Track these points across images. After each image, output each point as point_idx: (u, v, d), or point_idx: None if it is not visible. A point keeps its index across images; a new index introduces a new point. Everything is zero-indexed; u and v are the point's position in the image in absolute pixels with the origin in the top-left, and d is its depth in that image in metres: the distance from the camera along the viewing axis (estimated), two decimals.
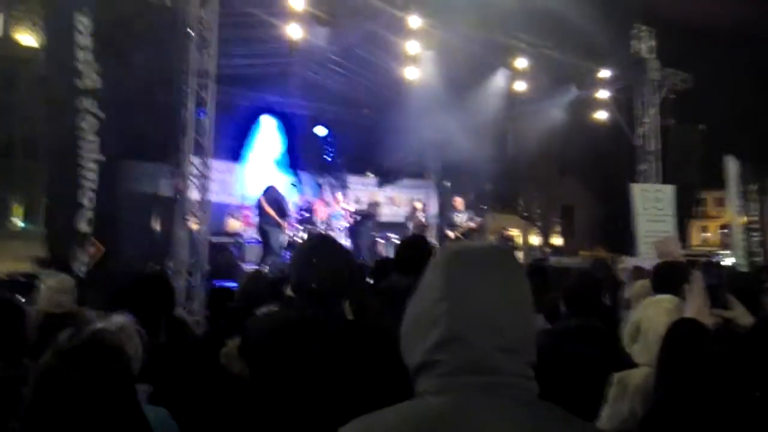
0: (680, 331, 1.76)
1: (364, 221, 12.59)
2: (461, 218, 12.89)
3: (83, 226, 6.50)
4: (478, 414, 0.95)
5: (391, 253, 10.85)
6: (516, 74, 12.28)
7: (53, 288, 3.56)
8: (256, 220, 11.21)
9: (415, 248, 3.18)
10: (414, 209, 13.54)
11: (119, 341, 1.77)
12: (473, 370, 0.98)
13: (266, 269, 9.14)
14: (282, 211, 10.68)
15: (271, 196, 10.83)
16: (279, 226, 10.56)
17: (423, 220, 13.43)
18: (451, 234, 12.75)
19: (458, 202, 13.14)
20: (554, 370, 2.57)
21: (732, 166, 14.10)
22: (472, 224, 13.00)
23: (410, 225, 13.32)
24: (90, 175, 6.62)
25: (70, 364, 1.54)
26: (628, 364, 2.24)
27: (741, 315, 2.06)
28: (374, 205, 13.00)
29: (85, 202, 6.54)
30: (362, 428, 1.01)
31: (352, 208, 13.31)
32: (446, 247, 1.16)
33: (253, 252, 11.51)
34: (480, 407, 0.96)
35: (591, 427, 1.05)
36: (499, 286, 1.05)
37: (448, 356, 0.99)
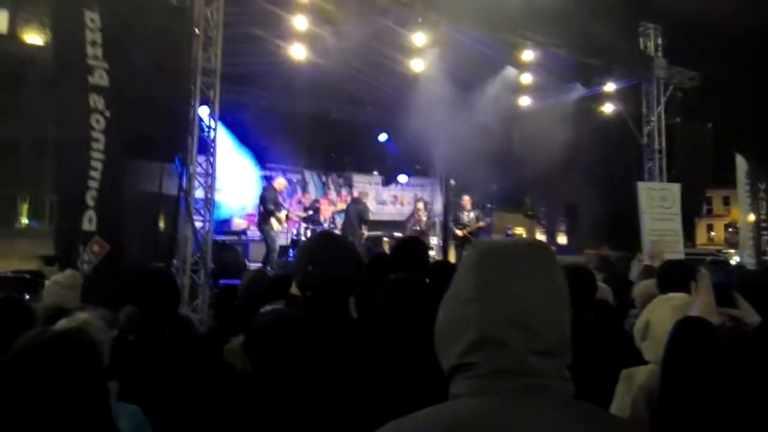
0: (686, 329, 1.75)
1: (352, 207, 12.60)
2: (469, 217, 12.86)
3: (87, 225, 6.51)
4: (515, 416, 0.93)
5: None
6: (522, 72, 12.25)
7: (60, 283, 3.56)
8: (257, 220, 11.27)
9: (409, 249, 3.19)
10: (416, 209, 13.54)
11: (84, 339, 1.73)
12: (509, 372, 0.96)
13: (268, 269, 9.16)
14: (277, 206, 10.62)
15: (264, 195, 10.89)
16: (273, 222, 10.53)
17: (424, 219, 13.37)
18: (459, 233, 12.73)
19: (466, 200, 13.11)
20: None
21: (742, 165, 14.05)
22: (481, 223, 12.98)
23: (409, 225, 13.31)
24: (95, 174, 6.63)
25: (28, 364, 1.53)
26: (617, 358, 2.24)
27: (748, 313, 2.04)
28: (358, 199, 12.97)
29: (89, 201, 6.54)
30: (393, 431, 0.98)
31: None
32: (478, 245, 1.13)
33: (258, 250, 11.54)
34: (517, 409, 0.94)
35: (627, 425, 1.03)
36: (534, 285, 1.02)
37: (483, 359, 0.97)
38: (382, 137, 15.36)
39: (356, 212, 12.50)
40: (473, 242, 1.10)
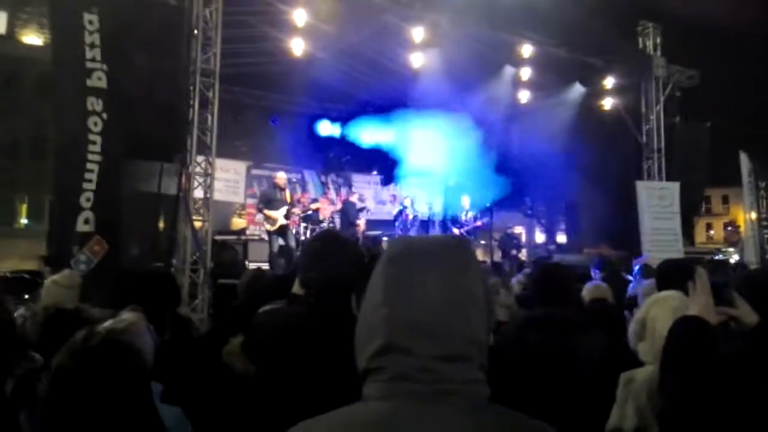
0: (684, 329, 1.75)
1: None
2: (467, 216, 12.88)
3: (82, 226, 6.52)
4: (417, 421, 0.92)
5: None
6: (521, 71, 12.25)
7: (58, 283, 3.56)
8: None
9: None
10: (402, 207, 13.32)
11: (132, 341, 1.76)
12: (414, 378, 0.94)
13: (269, 270, 9.14)
14: (270, 204, 10.49)
15: (262, 197, 10.88)
16: (267, 220, 10.46)
17: (411, 217, 13.22)
18: (456, 232, 12.74)
19: (465, 200, 13.11)
20: (516, 358, 2.58)
21: (745, 163, 14.06)
22: (477, 222, 12.99)
23: (398, 223, 13.13)
24: (91, 176, 6.64)
25: (85, 366, 1.54)
26: (590, 356, 2.23)
27: (746, 313, 2.04)
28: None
29: (84, 202, 6.55)
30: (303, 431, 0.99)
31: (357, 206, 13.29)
32: (390, 245, 1.08)
33: (257, 250, 11.52)
34: (420, 414, 0.92)
35: (541, 428, 1.01)
36: (442, 288, 0.99)
37: (389, 363, 0.96)
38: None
39: (345, 214, 12.61)
40: (389, 241, 1.07)
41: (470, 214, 12.88)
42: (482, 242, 15.86)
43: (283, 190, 10.67)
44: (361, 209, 13.02)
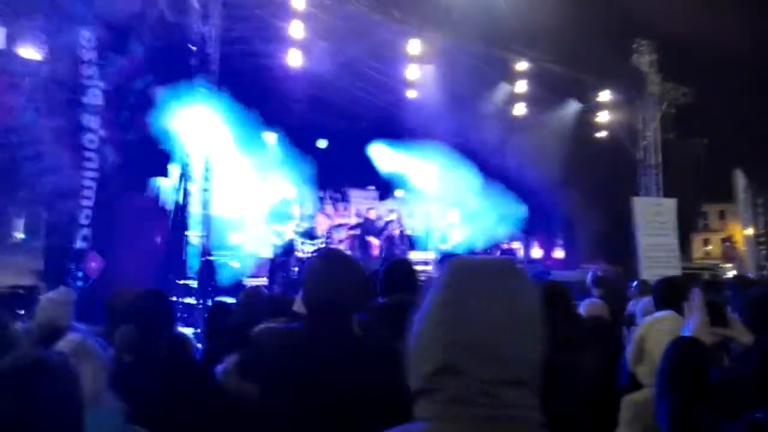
0: (679, 350, 1.75)
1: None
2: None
3: (81, 243, 6.51)
4: None
5: None
6: (517, 88, 12.32)
7: (53, 300, 3.55)
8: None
9: (397, 272, 3.18)
10: (388, 221, 12.57)
11: (68, 364, 1.69)
12: (473, 401, 0.93)
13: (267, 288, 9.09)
14: (283, 218, 10.46)
15: (273, 212, 10.84)
16: (280, 234, 10.42)
17: (396, 232, 12.52)
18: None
19: (453, 214, 13.00)
20: None
21: (740, 180, 14.14)
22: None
23: (382, 239, 12.42)
24: (89, 193, 6.65)
25: (7, 388, 1.50)
26: (590, 371, 2.22)
27: (741, 333, 2.05)
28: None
29: (83, 219, 6.55)
30: None
31: (353, 221, 13.23)
32: (451, 264, 1.08)
33: (255, 266, 11.47)
34: None
35: None
36: (506, 310, 0.98)
37: (446, 385, 0.95)
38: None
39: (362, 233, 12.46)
40: (448, 261, 1.05)
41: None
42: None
43: (291, 204, 10.71)
44: (387, 224, 12.40)
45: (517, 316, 0.99)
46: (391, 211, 13.02)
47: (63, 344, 1.89)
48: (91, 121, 6.76)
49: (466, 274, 1.04)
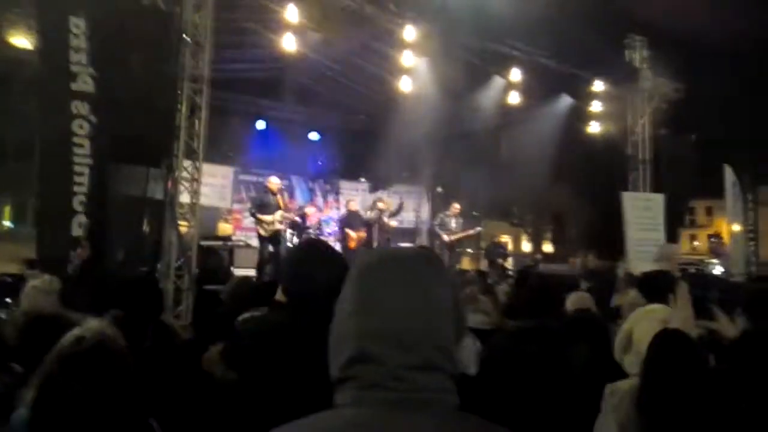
0: (665, 342, 1.77)
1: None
2: (457, 223, 12.80)
3: (77, 230, 6.47)
4: (389, 427, 0.94)
5: None
6: (510, 83, 12.33)
7: (38, 288, 3.53)
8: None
9: None
10: (379, 210, 12.20)
11: (122, 346, 1.73)
12: (385, 386, 0.96)
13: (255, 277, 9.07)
14: (263, 208, 10.40)
15: (255, 200, 10.79)
16: (267, 224, 10.35)
17: (387, 221, 12.26)
18: (445, 237, 12.61)
19: (456, 208, 12.98)
20: (509, 369, 2.60)
21: (729, 176, 14.25)
22: (471, 231, 12.94)
23: (375, 228, 12.11)
24: (82, 179, 6.59)
25: (74, 372, 1.51)
26: (576, 367, 2.24)
27: (726, 326, 2.07)
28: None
29: (77, 206, 6.51)
30: None
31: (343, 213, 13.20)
32: (362, 256, 1.12)
33: (243, 256, 11.46)
34: (392, 421, 0.94)
35: None
36: (413, 298, 1.01)
37: (360, 372, 0.98)
38: (372, 144, 15.20)
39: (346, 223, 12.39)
40: (360, 252, 1.06)
41: (454, 223, 12.78)
42: (469, 251, 15.91)
43: (275, 194, 10.59)
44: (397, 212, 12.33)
45: (427, 304, 1.02)
46: (380, 200, 12.80)
47: (83, 330, 1.88)
48: (81, 107, 6.69)
49: (376, 265, 1.08)
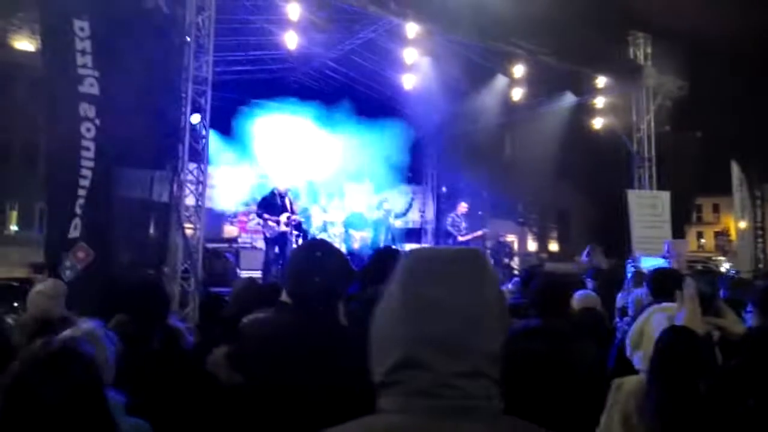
0: (672, 339, 1.76)
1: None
2: (465, 223, 12.73)
3: (73, 232, 6.48)
4: None
5: None
6: (513, 80, 12.31)
7: (43, 293, 3.54)
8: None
9: (381, 259, 3.18)
10: (385, 210, 12.36)
11: (88, 350, 1.74)
12: (433, 393, 0.94)
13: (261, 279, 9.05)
14: (271, 209, 10.39)
15: (262, 202, 10.79)
16: (273, 226, 10.34)
17: (393, 222, 12.39)
18: (460, 238, 12.53)
19: (463, 206, 12.89)
20: (516, 369, 2.59)
21: (736, 173, 14.20)
22: (478, 232, 12.91)
23: (382, 229, 12.25)
24: (85, 182, 6.61)
25: (40, 375, 1.53)
26: (583, 365, 2.23)
27: (733, 323, 2.06)
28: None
29: (77, 209, 6.52)
30: None
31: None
32: (409, 256, 1.07)
33: (249, 258, 11.47)
34: (437, 429, 0.93)
35: None
36: (463, 304, 0.98)
37: (408, 378, 0.96)
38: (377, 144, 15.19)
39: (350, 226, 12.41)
40: (405, 253, 1.02)
41: (467, 221, 12.72)
42: None
43: (283, 196, 10.60)
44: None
45: (478, 308, 0.99)
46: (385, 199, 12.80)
47: (73, 331, 1.90)
48: (88, 110, 6.71)
49: (425, 266, 1.03)
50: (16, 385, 1.53)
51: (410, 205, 12.76)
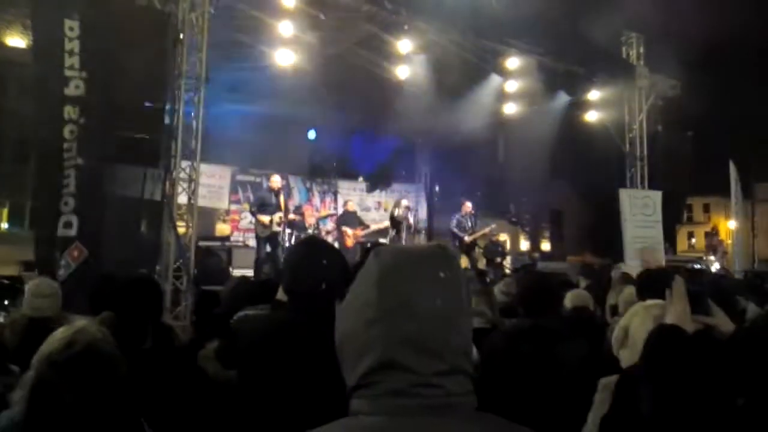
0: (661, 338, 1.78)
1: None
2: (471, 223, 12.61)
3: (62, 231, 6.47)
4: None
5: None
6: (507, 79, 12.33)
7: (36, 292, 3.53)
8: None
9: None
10: (406, 208, 12.22)
11: (113, 350, 1.72)
12: (411, 393, 0.93)
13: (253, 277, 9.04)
14: (263, 207, 10.37)
15: (256, 200, 10.77)
16: (258, 224, 10.34)
17: (411, 220, 12.38)
18: (467, 239, 12.47)
19: (467, 206, 12.66)
20: (508, 369, 2.60)
21: (733, 173, 14.27)
22: (486, 229, 12.80)
23: (404, 226, 12.16)
24: (68, 181, 6.60)
25: (65, 377, 1.51)
26: (574, 364, 2.25)
27: (722, 322, 2.07)
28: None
29: (63, 207, 6.52)
30: None
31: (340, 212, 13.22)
32: (380, 257, 1.02)
33: (242, 257, 11.45)
34: (417, 428, 0.92)
35: None
36: (440, 302, 0.96)
37: (384, 379, 0.94)
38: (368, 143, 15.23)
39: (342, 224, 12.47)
40: (376, 252, 0.99)
41: (473, 221, 12.61)
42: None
43: (278, 194, 10.56)
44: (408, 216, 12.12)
45: (453, 307, 0.98)
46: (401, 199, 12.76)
47: (66, 329, 1.89)
48: (72, 112, 6.70)
49: (398, 267, 1.00)
50: (37, 388, 1.51)
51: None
